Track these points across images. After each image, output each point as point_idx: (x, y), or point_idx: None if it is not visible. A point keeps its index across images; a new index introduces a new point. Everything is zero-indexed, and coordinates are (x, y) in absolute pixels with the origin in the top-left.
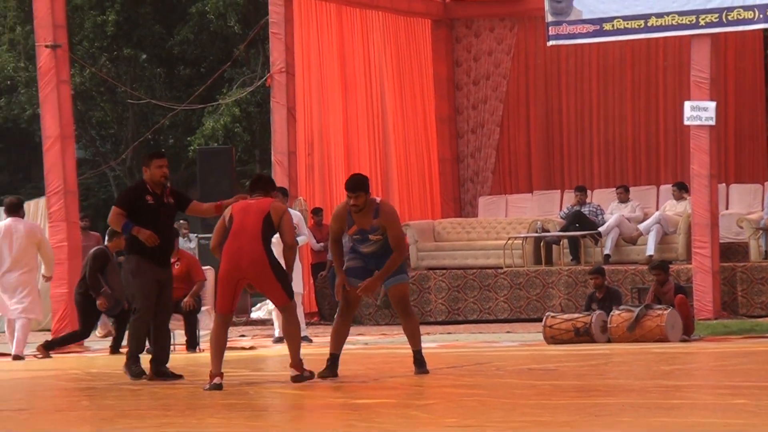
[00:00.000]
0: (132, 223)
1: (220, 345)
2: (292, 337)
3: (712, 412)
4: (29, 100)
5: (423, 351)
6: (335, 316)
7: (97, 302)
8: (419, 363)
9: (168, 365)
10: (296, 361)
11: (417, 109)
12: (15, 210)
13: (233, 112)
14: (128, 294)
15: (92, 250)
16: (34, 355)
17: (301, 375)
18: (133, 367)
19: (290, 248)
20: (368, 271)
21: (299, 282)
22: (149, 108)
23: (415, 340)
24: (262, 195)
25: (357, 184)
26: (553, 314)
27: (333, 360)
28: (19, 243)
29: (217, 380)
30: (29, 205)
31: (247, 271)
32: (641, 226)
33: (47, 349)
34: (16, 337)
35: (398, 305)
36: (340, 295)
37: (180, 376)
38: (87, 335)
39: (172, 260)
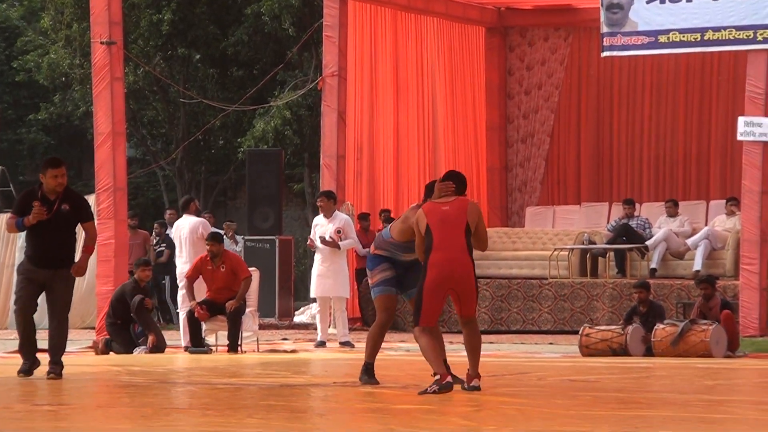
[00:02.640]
0: (21, 219)
1: (437, 348)
2: (479, 348)
3: (755, 427)
4: (83, 98)
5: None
6: (374, 325)
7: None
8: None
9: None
10: (476, 371)
11: (468, 116)
12: (183, 208)
13: (284, 114)
14: None
15: (129, 287)
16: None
17: (478, 386)
18: (23, 359)
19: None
20: (400, 281)
21: (346, 287)
22: (201, 108)
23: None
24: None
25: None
26: (589, 326)
27: (370, 368)
28: (185, 238)
29: (449, 378)
30: None
31: (458, 282)
32: (689, 241)
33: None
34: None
35: None
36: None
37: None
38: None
39: (218, 264)
